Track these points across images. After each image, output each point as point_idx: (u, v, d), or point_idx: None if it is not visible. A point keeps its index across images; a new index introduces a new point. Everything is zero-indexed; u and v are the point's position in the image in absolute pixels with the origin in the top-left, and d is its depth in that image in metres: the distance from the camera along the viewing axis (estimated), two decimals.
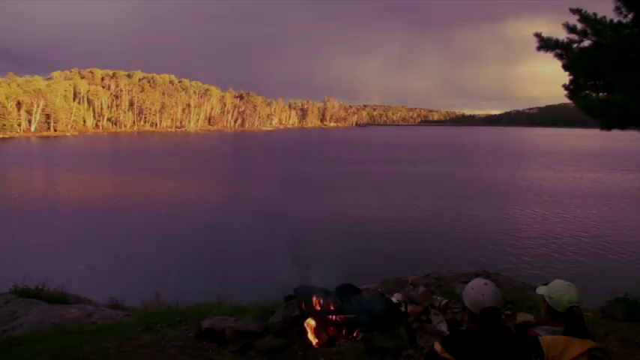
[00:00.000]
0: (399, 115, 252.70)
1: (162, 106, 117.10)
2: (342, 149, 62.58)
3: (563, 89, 4.91)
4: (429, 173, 36.11)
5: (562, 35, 4.44)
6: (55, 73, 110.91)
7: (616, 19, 4.11)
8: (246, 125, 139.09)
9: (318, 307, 4.56)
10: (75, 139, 78.67)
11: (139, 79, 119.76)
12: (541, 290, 2.05)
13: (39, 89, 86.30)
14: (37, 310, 6.09)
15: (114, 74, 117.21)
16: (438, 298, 4.92)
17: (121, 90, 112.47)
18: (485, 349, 1.66)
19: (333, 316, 4.58)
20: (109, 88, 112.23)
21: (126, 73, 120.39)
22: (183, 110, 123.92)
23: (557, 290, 1.94)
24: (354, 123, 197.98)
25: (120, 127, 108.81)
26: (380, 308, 4.51)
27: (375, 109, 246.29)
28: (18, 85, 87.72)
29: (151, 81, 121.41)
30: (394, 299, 4.91)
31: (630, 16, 3.97)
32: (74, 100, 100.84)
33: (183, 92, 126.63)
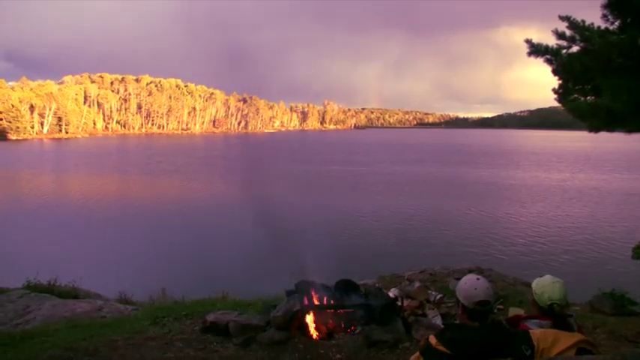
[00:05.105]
0: (395, 117, 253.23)
1: (169, 109, 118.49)
2: (340, 150, 63.01)
3: (552, 93, 5.03)
4: (422, 173, 36.44)
5: (552, 41, 4.58)
6: (67, 78, 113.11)
7: (603, 26, 4.22)
8: (249, 127, 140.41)
9: (318, 302, 4.67)
10: (85, 141, 79.89)
11: (147, 84, 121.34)
12: (533, 282, 2.15)
13: (51, 93, 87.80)
14: (49, 304, 6.27)
15: (123, 79, 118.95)
16: (433, 293, 5.04)
17: (130, 94, 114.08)
18: (478, 342, 1.71)
19: (333, 311, 4.69)
20: (118, 92, 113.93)
21: (134, 77, 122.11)
22: (189, 113, 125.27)
23: (541, 286, 2.04)
24: (353, 125, 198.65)
25: (128, 130, 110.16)
26: (377, 303, 4.62)
27: (372, 112, 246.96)
28: (31, 89, 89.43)
29: (158, 85, 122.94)
30: (391, 294, 5.02)
31: (617, 23, 4.09)
32: (85, 103, 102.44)
33: (189, 96, 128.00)
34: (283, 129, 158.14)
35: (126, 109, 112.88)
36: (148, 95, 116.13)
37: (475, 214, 20.15)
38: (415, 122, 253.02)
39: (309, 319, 4.58)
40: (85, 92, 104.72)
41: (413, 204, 22.53)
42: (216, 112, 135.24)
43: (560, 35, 4.38)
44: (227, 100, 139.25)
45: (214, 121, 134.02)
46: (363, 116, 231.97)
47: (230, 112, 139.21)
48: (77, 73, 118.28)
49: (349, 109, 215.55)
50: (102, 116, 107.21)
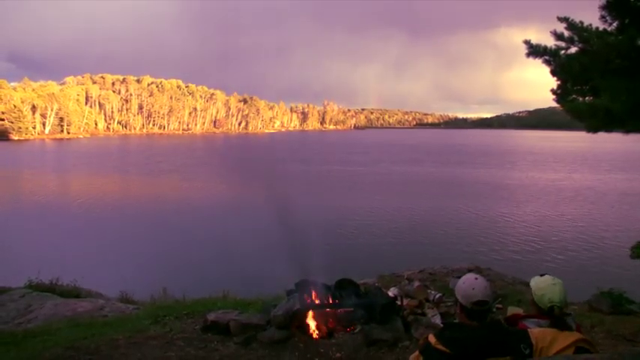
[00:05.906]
0: (395, 118, 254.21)
1: (170, 110, 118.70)
2: (340, 150, 63.17)
3: (551, 94, 5.07)
4: (422, 173, 36.57)
5: (550, 42, 4.62)
6: (69, 79, 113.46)
7: (601, 27, 4.26)
8: (250, 128, 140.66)
9: (318, 301, 4.72)
10: (87, 141, 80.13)
11: (148, 84, 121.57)
12: (532, 282, 2.13)
13: (53, 94, 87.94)
14: (51, 303, 6.31)
15: (124, 79, 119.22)
16: (432, 292, 5.07)
17: (131, 94, 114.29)
18: (477, 341, 1.71)
19: (333, 310, 4.72)
20: (119, 93, 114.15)
21: (135, 78, 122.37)
22: (190, 114, 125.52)
23: (541, 288, 2.03)
24: (352, 126, 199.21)
25: (129, 130, 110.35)
26: (377, 302, 4.65)
27: (372, 113, 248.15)
28: (33, 90, 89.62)
29: (159, 86, 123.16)
30: (390, 293, 5.05)
31: (615, 24, 4.12)
32: (86, 104, 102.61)
33: (190, 96, 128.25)
34: (283, 129, 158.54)
35: (127, 110, 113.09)
36: (149, 96, 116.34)
37: (474, 214, 20.24)
38: (414, 123, 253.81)
39: (310, 318, 4.61)
40: (86, 93, 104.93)
41: (412, 204, 22.61)
42: (217, 112, 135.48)
43: (559, 36, 4.41)
44: (227, 100, 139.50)
45: (215, 122, 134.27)
46: (362, 117, 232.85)
47: (231, 113, 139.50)
48: (79, 74, 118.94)
49: (349, 110, 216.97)
50: (103, 117, 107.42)
